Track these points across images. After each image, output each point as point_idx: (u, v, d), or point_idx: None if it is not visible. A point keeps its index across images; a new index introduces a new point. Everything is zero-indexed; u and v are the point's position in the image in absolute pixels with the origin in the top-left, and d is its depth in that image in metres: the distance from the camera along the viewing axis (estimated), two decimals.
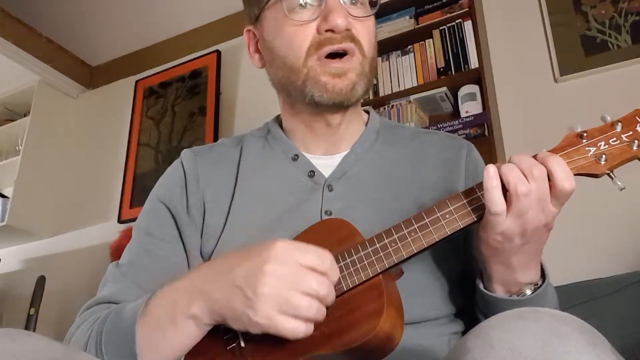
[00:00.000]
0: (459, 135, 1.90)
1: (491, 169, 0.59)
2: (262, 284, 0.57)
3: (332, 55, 0.76)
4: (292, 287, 0.57)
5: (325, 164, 0.83)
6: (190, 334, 0.64)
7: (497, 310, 0.66)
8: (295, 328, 0.57)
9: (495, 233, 0.61)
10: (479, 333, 0.46)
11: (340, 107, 0.79)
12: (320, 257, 0.59)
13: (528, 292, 0.67)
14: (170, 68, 2.99)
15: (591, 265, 1.64)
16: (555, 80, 2.00)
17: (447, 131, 1.93)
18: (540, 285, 0.68)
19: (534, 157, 0.61)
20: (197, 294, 0.63)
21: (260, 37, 0.84)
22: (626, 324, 1.21)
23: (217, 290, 0.61)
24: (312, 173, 0.82)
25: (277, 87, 0.85)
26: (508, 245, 0.62)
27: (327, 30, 0.75)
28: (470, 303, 0.76)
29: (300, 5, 0.76)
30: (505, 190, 0.59)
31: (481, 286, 0.69)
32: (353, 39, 0.76)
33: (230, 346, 0.65)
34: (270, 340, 0.62)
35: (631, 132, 0.62)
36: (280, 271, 0.58)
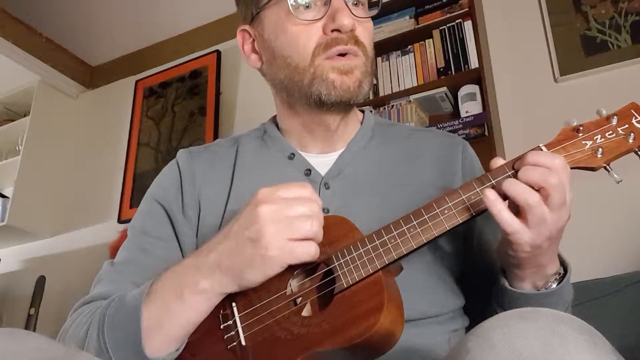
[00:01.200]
0: (458, 135, 1.90)
1: (490, 194, 0.59)
2: (262, 223, 0.60)
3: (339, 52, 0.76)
4: (288, 215, 0.60)
5: (321, 162, 0.83)
6: (198, 308, 0.64)
7: (525, 305, 0.65)
8: (308, 247, 0.61)
9: (523, 251, 0.61)
10: (480, 333, 0.46)
11: (347, 105, 0.79)
12: (301, 187, 0.63)
13: (554, 285, 0.67)
14: (170, 68, 2.99)
15: (591, 265, 1.64)
16: (555, 80, 2.00)
17: (447, 131, 1.93)
18: (564, 275, 0.68)
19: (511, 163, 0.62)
20: (204, 268, 0.64)
21: (259, 37, 0.83)
22: (626, 324, 1.21)
23: (224, 254, 0.63)
24: (309, 171, 0.82)
25: (277, 87, 0.85)
26: (538, 251, 0.62)
27: (332, 30, 0.75)
28: (472, 300, 0.76)
29: (305, 5, 0.76)
30: (515, 205, 0.59)
31: (506, 284, 0.69)
32: (357, 41, 0.77)
33: (231, 345, 0.65)
34: (271, 338, 0.62)
35: (627, 125, 0.63)
36: (273, 207, 0.61)
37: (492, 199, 0.59)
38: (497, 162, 0.64)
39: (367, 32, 0.80)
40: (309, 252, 0.61)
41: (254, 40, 0.85)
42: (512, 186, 0.59)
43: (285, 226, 0.60)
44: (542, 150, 0.64)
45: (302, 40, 0.76)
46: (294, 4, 0.76)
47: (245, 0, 0.84)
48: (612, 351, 0.44)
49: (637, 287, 1.29)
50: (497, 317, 0.47)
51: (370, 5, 0.82)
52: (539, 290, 0.67)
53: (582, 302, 1.26)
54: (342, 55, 0.76)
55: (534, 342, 0.42)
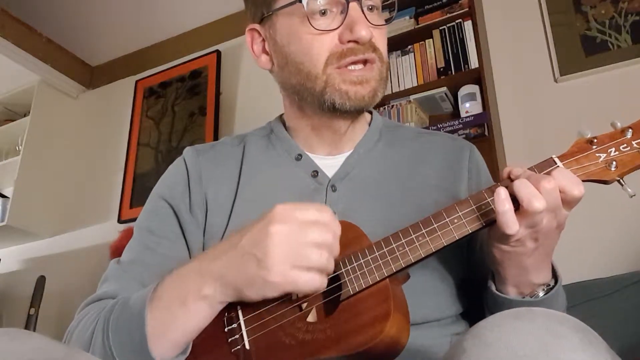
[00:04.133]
0: (459, 135, 1.90)
1: (502, 192, 0.59)
2: (270, 244, 0.58)
3: (353, 62, 0.75)
4: (299, 241, 0.58)
5: (329, 164, 0.83)
6: (201, 315, 0.64)
7: None
8: (311, 280, 0.58)
9: (509, 242, 0.61)
10: (476, 333, 0.46)
11: (361, 112, 0.80)
12: (320, 211, 0.61)
13: (541, 294, 0.67)
14: (170, 68, 2.98)
15: (591, 265, 1.64)
16: (555, 80, 2.00)
17: (447, 131, 1.93)
18: (553, 287, 0.68)
19: (532, 168, 0.62)
20: (207, 274, 0.63)
21: (270, 39, 0.82)
22: (626, 324, 1.21)
23: (228, 265, 0.62)
24: (316, 173, 0.82)
25: (287, 90, 0.84)
26: (521, 249, 0.62)
27: (349, 41, 0.74)
28: (474, 304, 0.76)
29: (320, 12, 0.75)
30: (517, 203, 0.59)
31: (493, 288, 0.69)
32: (375, 49, 0.76)
33: (235, 348, 0.65)
34: (275, 343, 0.62)
35: None
36: (285, 229, 0.59)
37: (502, 197, 0.59)
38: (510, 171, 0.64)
39: (382, 37, 0.79)
40: (311, 285, 0.58)
41: (263, 40, 0.83)
42: (524, 187, 0.58)
43: (293, 252, 0.58)
44: (554, 161, 0.63)
45: (316, 48, 0.75)
46: (309, 10, 0.74)
47: (255, 0, 0.83)
48: (607, 350, 0.44)
49: (637, 287, 1.29)
50: (492, 317, 0.47)
51: (384, 8, 0.81)
52: (524, 297, 0.67)
53: (582, 302, 1.26)
54: (357, 63, 0.75)
55: (530, 341, 0.42)
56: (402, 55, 2.22)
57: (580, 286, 1.34)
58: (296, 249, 0.58)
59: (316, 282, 0.59)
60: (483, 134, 1.90)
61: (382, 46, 0.78)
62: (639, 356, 1.12)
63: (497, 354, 0.42)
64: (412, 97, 2.11)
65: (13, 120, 3.18)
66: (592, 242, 1.74)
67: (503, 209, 0.58)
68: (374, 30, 0.76)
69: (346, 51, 0.74)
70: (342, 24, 0.74)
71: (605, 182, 0.62)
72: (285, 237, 0.58)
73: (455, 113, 2.12)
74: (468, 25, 2.09)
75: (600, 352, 0.42)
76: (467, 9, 2.11)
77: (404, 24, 2.23)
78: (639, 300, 1.26)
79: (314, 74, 0.75)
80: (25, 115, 3.12)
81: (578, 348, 0.42)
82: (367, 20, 0.75)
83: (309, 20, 0.74)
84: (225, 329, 0.66)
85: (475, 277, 0.76)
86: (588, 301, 1.28)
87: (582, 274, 1.42)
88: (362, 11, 0.74)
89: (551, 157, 0.64)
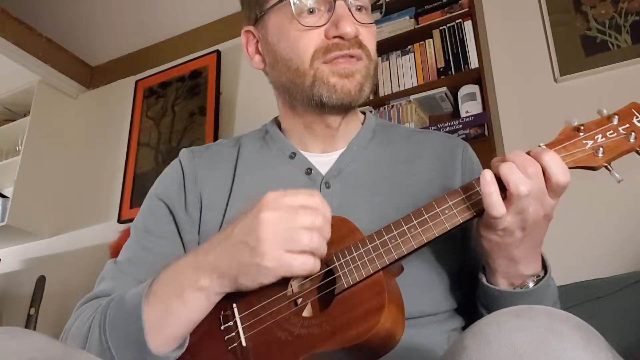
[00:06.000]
0: (458, 135, 1.90)
1: (488, 174, 0.59)
2: (262, 230, 0.60)
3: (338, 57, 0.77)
4: (290, 225, 0.60)
5: (322, 162, 0.84)
6: (198, 307, 0.64)
7: (500, 303, 0.66)
8: (305, 262, 0.60)
9: (497, 230, 0.62)
10: (476, 331, 0.46)
11: (348, 108, 0.80)
12: (309, 195, 0.62)
13: (531, 284, 0.68)
14: (170, 68, 2.99)
15: (591, 265, 1.64)
16: (555, 80, 2.00)
17: (447, 131, 1.94)
18: (543, 277, 0.68)
19: (528, 153, 0.62)
20: (203, 267, 0.64)
21: (262, 39, 0.84)
22: (626, 324, 1.21)
23: (223, 255, 0.63)
24: (309, 170, 0.83)
25: (279, 89, 0.86)
26: (509, 240, 0.62)
27: (335, 37, 0.76)
28: (469, 299, 0.76)
29: (308, 10, 0.77)
30: (503, 189, 0.59)
31: (484, 280, 0.70)
32: (360, 45, 0.77)
33: (232, 346, 0.65)
34: (272, 339, 0.62)
35: (628, 125, 0.62)
36: (275, 215, 0.60)
37: (488, 179, 0.59)
38: None
39: (370, 35, 0.80)
40: (305, 267, 0.60)
41: (257, 41, 0.86)
42: (511, 172, 0.58)
43: (285, 237, 0.59)
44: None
45: (303, 44, 0.77)
46: (297, 9, 0.76)
47: (250, 2, 0.85)
48: (608, 348, 0.44)
49: (636, 287, 1.29)
50: (493, 315, 0.47)
51: (374, 9, 0.83)
52: (514, 288, 0.68)
53: (582, 302, 1.26)
54: (343, 58, 0.76)
55: (530, 339, 0.42)
56: (402, 55, 2.22)
57: (580, 286, 1.34)
58: (287, 233, 0.59)
59: (310, 264, 0.60)
60: (483, 134, 1.90)
61: (370, 44, 0.80)
62: (639, 356, 1.12)
63: (497, 351, 0.42)
64: (412, 97, 2.11)
65: (13, 120, 3.18)
66: (592, 242, 1.74)
67: (489, 191, 0.59)
68: (361, 29, 0.78)
69: (331, 46, 0.76)
70: (328, 20, 0.76)
71: (593, 169, 0.63)
72: (276, 223, 0.60)
73: (455, 113, 2.12)
74: (468, 25, 2.09)
75: (601, 351, 0.42)
76: (467, 9, 2.12)
77: (404, 24, 2.23)
78: (639, 300, 1.26)
79: (302, 70, 0.77)
80: (25, 115, 3.12)
81: (579, 346, 0.42)
82: (354, 17, 0.76)
83: (297, 17, 0.76)
84: (222, 327, 0.66)
85: (470, 272, 0.76)
86: (588, 301, 1.28)
87: (582, 274, 1.42)
88: (349, 9, 0.76)
89: (539, 146, 0.64)
